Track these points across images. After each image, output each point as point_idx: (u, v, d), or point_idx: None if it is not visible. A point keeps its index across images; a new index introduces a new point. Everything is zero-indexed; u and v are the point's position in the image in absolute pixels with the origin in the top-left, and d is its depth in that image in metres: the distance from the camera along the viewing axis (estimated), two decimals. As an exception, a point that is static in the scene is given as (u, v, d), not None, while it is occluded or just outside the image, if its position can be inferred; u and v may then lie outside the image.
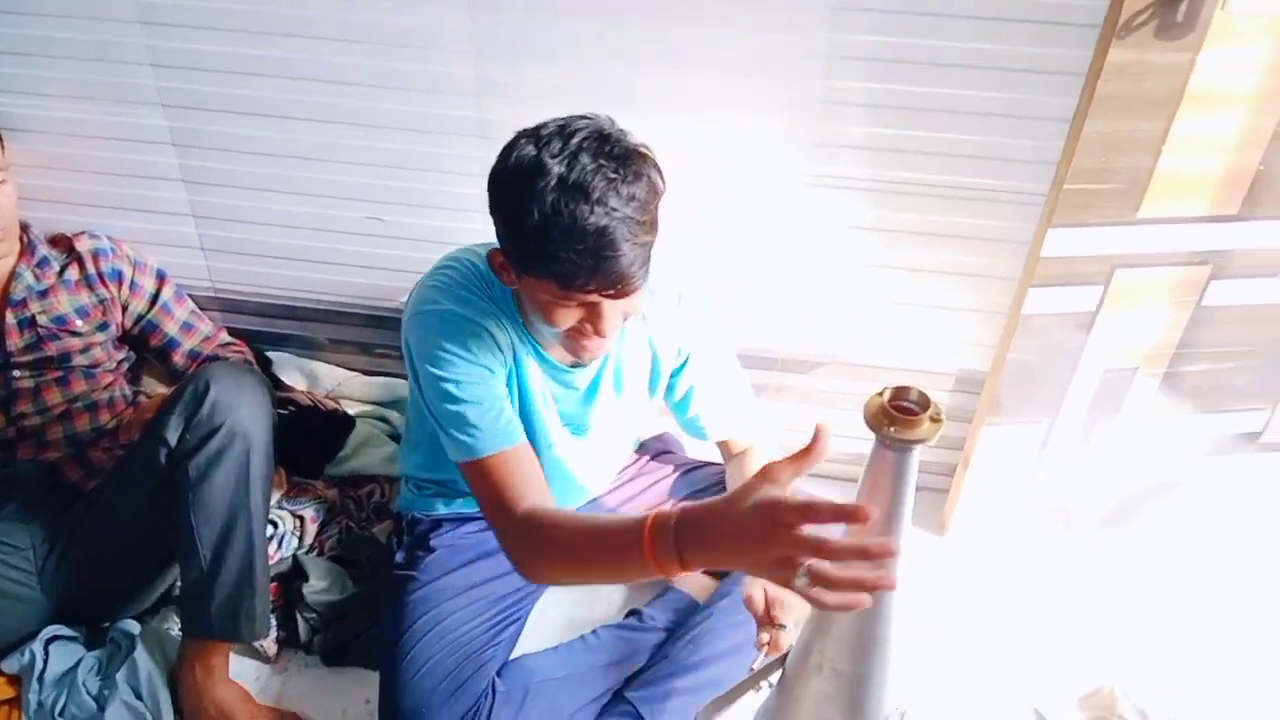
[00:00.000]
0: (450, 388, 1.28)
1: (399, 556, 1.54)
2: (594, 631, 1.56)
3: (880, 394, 0.83)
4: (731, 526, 0.90)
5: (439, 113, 1.62)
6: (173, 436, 1.40)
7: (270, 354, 1.93)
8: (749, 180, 1.64)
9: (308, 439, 1.78)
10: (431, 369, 1.28)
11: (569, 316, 1.21)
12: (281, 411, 1.67)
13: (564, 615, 1.64)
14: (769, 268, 1.73)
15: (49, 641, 1.50)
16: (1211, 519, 1.89)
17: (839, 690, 0.99)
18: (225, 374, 1.41)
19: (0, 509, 1.54)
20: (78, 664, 1.49)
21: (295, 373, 1.91)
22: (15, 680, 1.49)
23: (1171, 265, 1.55)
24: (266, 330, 1.94)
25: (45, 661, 1.48)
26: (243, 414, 1.40)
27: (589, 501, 1.61)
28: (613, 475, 1.65)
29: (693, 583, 1.65)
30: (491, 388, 1.30)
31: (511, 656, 1.49)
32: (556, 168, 1.11)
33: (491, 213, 1.19)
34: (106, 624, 1.56)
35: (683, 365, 1.50)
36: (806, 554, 0.84)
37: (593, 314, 1.20)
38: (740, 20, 1.49)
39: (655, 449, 1.73)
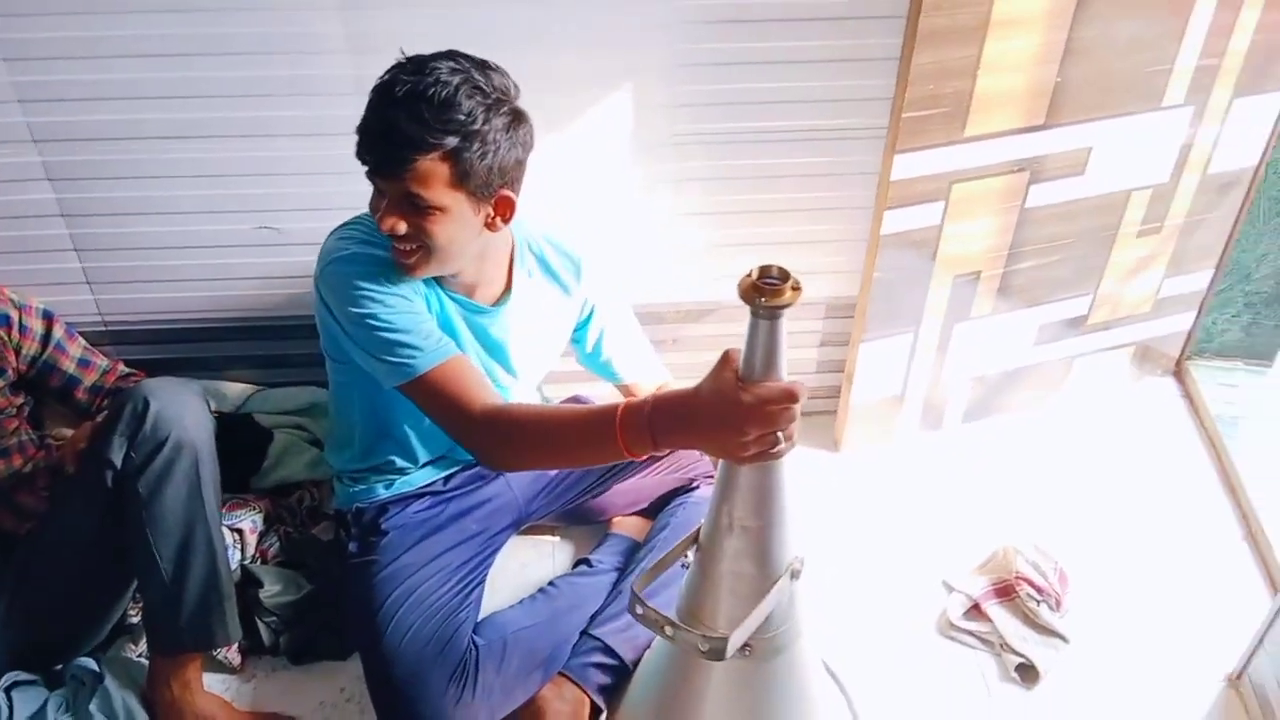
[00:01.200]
0: (376, 319, 1.34)
1: (352, 547, 1.60)
2: (551, 583, 1.66)
3: (749, 274, 1.00)
4: (713, 411, 1.03)
5: (320, 114, 1.67)
6: (117, 457, 1.40)
7: (171, 381, 1.92)
8: (620, 145, 1.77)
9: (231, 455, 1.79)
10: (353, 309, 1.35)
11: (375, 204, 1.32)
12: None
13: (520, 574, 1.75)
14: (649, 226, 1.87)
15: (9, 689, 1.48)
16: (1055, 399, 2.17)
17: (747, 543, 1.15)
18: (161, 388, 1.43)
19: (-67, 566, 1.51)
20: (44, 705, 1.48)
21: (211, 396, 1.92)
22: (-21, 733, 1.46)
23: (997, 175, 1.78)
24: (163, 357, 1.93)
25: (10, 709, 1.46)
26: (186, 424, 1.42)
27: None
28: None
29: (629, 525, 1.78)
30: (415, 309, 1.38)
31: (481, 616, 1.58)
32: (387, 76, 1.28)
33: None
34: (60, 665, 1.54)
35: (589, 317, 1.64)
36: (789, 424, 1.01)
37: (379, 202, 1.31)
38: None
39: None
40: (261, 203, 1.76)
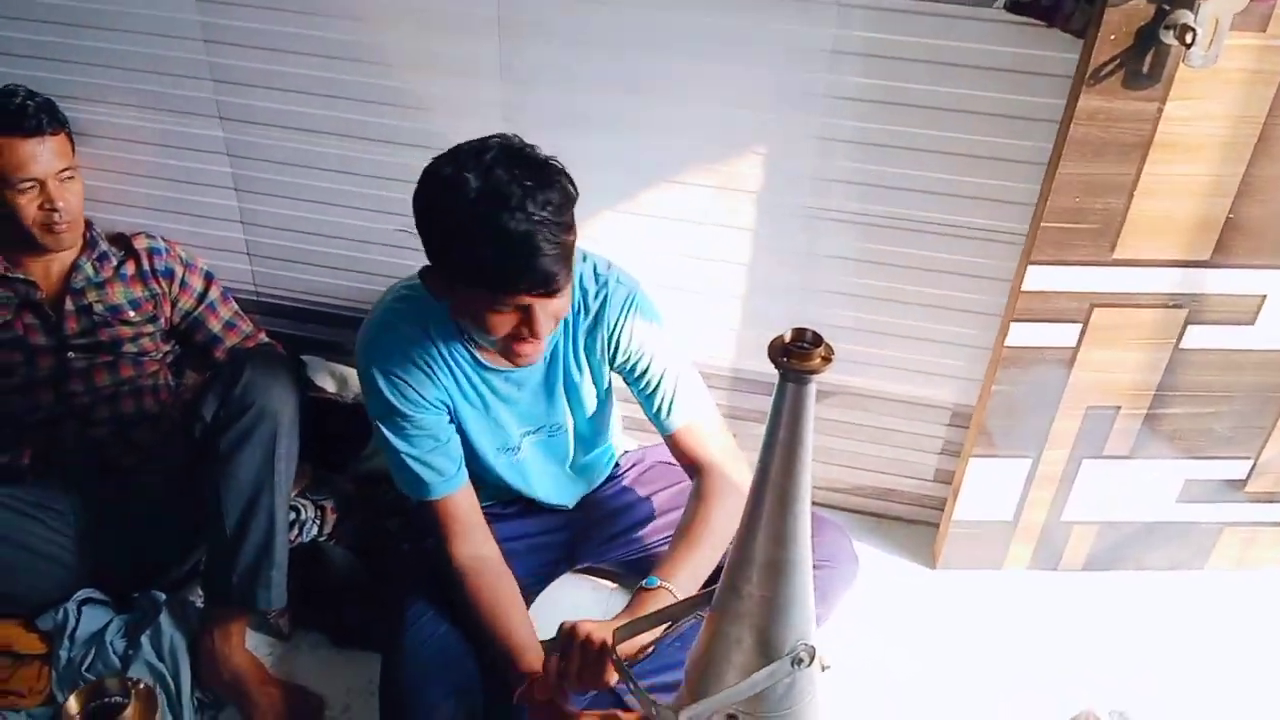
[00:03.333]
0: (393, 440, 1.44)
1: (405, 546, 1.65)
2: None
3: (782, 336, 0.98)
4: None
5: (470, 132, 1.75)
6: (208, 413, 1.52)
7: (304, 357, 2.06)
8: (748, 210, 1.76)
9: (334, 436, 1.90)
10: (376, 421, 1.44)
11: (504, 322, 1.29)
12: (315, 395, 1.80)
13: (571, 614, 1.73)
14: (766, 295, 1.83)
15: (81, 603, 1.62)
16: (1196, 564, 1.95)
17: (750, 611, 1.10)
18: (259, 358, 1.55)
19: (46, 477, 1.68)
20: (106, 625, 1.60)
21: (326, 376, 2.04)
22: (47, 637, 1.60)
23: (1148, 307, 1.63)
24: (303, 335, 2.07)
25: (77, 621, 1.59)
26: (272, 395, 1.52)
27: (586, 495, 1.72)
28: (602, 466, 1.73)
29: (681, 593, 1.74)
30: (430, 435, 1.44)
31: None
32: (474, 181, 1.22)
33: (420, 232, 1.30)
34: (136, 593, 1.67)
35: (638, 361, 1.52)
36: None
37: (526, 317, 1.29)
38: (743, 58, 1.62)
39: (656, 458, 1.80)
40: (402, 206, 1.86)
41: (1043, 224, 1.54)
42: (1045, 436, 1.78)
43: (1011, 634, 1.81)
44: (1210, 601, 1.90)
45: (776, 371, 0.99)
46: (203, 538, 1.59)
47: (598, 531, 1.72)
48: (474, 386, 1.48)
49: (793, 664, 1.12)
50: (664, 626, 1.29)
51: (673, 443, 1.55)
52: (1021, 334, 1.65)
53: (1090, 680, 1.71)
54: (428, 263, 1.34)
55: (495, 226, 1.21)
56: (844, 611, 1.75)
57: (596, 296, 1.47)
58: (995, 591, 1.91)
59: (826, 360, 1.00)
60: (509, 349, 1.34)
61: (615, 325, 1.48)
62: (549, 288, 1.25)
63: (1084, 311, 1.64)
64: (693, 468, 1.53)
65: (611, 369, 1.55)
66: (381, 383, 1.41)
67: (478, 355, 1.46)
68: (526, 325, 1.29)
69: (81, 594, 1.62)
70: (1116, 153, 1.48)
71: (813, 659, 1.14)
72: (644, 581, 1.42)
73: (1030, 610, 1.87)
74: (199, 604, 1.65)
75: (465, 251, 1.24)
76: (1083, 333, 1.66)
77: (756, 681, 1.12)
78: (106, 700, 0.72)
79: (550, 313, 1.30)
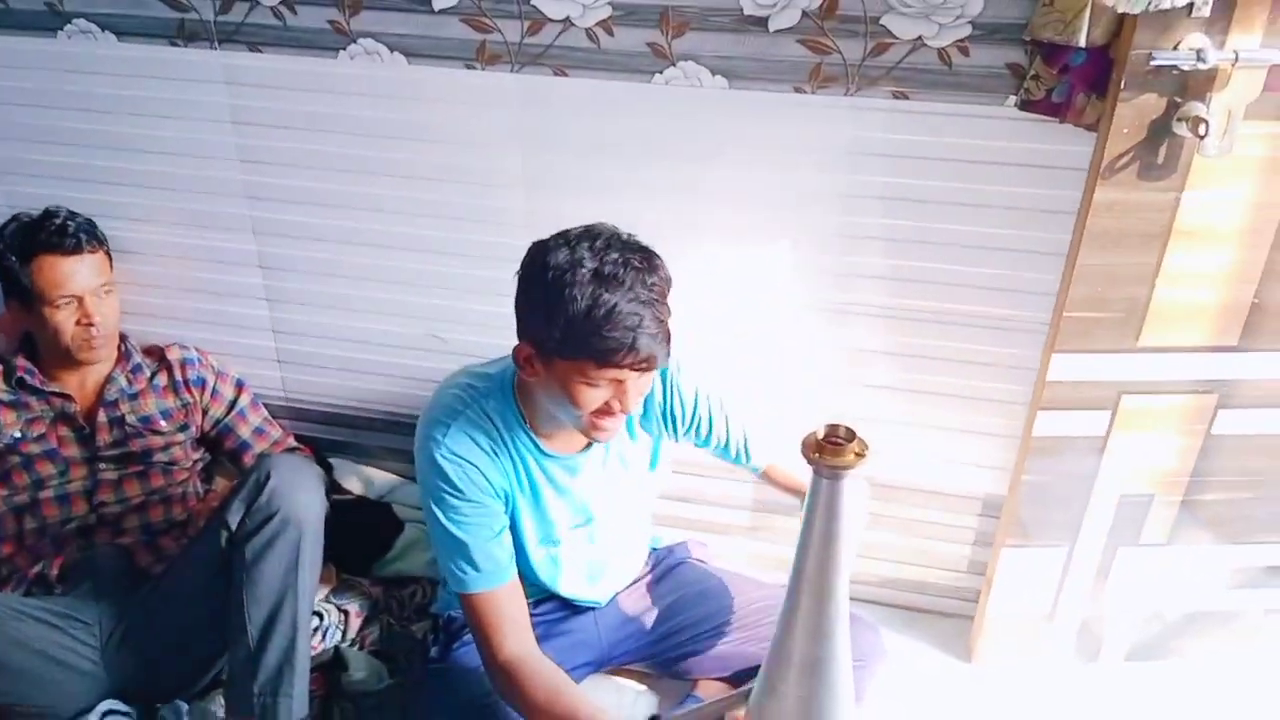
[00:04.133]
0: (449, 527, 1.42)
1: (434, 651, 1.63)
2: None
3: (815, 432, 0.97)
4: None
5: (494, 240, 1.80)
6: (234, 520, 1.53)
7: (331, 460, 2.08)
8: (773, 307, 1.77)
9: (359, 538, 1.90)
10: (434, 507, 1.43)
11: (596, 397, 1.33)
12: (339, 498, 1.81)
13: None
14: (794, 390, 1.84)
15: (105, 715, 1.60)
16: (1243, 653, 1.88)
17: (789, 712, 1.07)
18: (284, 464, 1.55)
19: (75, 587, 1.68)
20: (130, 738, 1.59)
21: (353, 478, 2.05)
22: (71, 750, 1.59)
23: (1177, 393, 1.62)
24: (329, 438, 2.09)
25: (101, 735, 1.58)
26: (298, 501, 1.53)
27: (614, 597, 1.69)
28: (635, 563, 1.72)
29: (713, 689, 1.70)
30: (488, 525, 1.43)
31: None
32: (590, 262, 1.28)
33: (521, 307, 1.35)
34: (159, 705, 1.66)
35: (705, 417, 1.58)
36: None
37: (619, 391, 1.34)
38: (766, 162, 1.65)
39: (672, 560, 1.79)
40: (432, 312, 1.90)
41: (1065, 313, 1.54)
42: (1079, 525, 1.75)
43: (1055, 731, 1.76)
44: (1258, 692, 1.83)
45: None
46: (226, 646, 1.58)
47: (630, 629, 1.69)
48: (530, 474, 1.48)
49: (829, 766, 1.09)
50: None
51: (768, 479, 1.66)
52: (1049, 423, 1.64)
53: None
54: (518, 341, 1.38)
55: (612, 305, 1.27)
56: (879, 708, 1.71)
57: (664, 384, 1.54)
58: (1034, 685, 1.85)
59: (860, 456, 0.99)
60: (594, 424, 1.37)
61: (669, 386, 1.53)
62: (650, 363, 1.31)
63: (1112, 399, 1.62)
64: (797, 490, 1.61)
65: (679, 436, 1.58)
66: (447, 465, 1.41)
67: (540, 442, 1.48)
68: (619, 399, 1.34)
69: (104, 705, 1.60)
70: (1135, 242, 1.48)
71: (851, 763, 1.11)
72: None
73: (1071, 704, 1.81)
74: (220, 714, 1.63)
75: (581, 327, 1.28)
76: (1112, 420, 1.64)
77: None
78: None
79: (640, 387, 1.35)
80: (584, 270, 1.28)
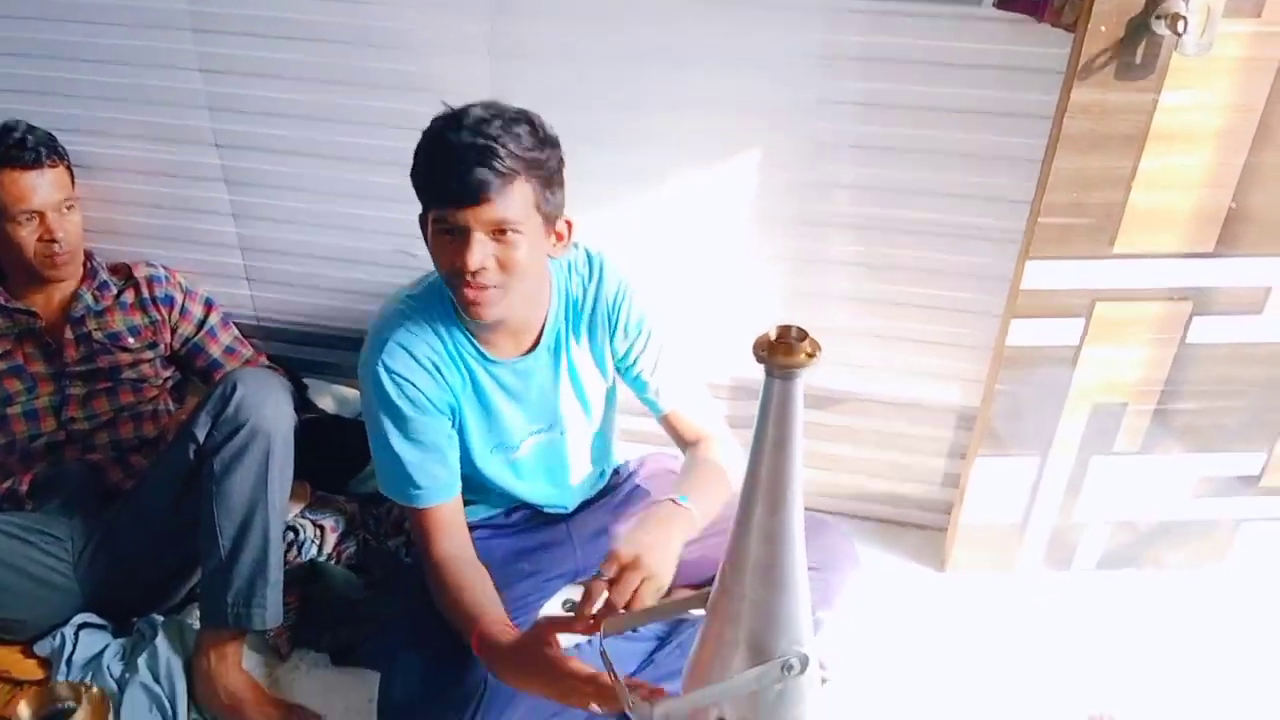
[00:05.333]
0: (393, 441, 1.41)
1: (409, 558, 1.64)
2: (589, 640, 1.62)
3: (767, 333, 0.95)
4: (517, 671, 1.25)
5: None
6: (201, 433, 1.52)
7: (305, 379, 2.06)
8: (741, 218, 1.75)
9: (334, 455, 1.89)
10: (376, 426, 1.42)
11: (445, 249, 1.31)
12: (313, 416, 1.80)
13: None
14: (765, 302, 1.82)
15: (79, 628, 1.61)
16: (1214, 562, 1.90)
17: (742, 613, 1.07)
18: (251, 376, 1.54)
19: (45, 504, 1.68)
20: (104, 650, 1.59)
21: (326, 396, 2.04)
22: (46, 663, 1.59)
23: (1151, 300, 1.61)
24: (303, 358, 2.08)
25: (74, 645, 1.58)
26: (265, 414, 1.52)
27: (589, 503, 1.70)
28: (599, 473, 1.71)
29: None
30: (430, 443, 1.42)
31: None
32: (446, 110, 1.30)
33: None
34: (135, 619, 1.67)
35: (635, 339, 1.54)
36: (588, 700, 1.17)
37: (458, 245, 1.29)
38: (735, 67, 1.61)
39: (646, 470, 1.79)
40: (401, 228, 1.86)
41: (1040, 220, 1.52)
42: (1052, 435, 1.75)
43: (1024, 636, 1.77)
44: (1227, 599, 1.85)
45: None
46: (199, 560, 1.58)
47: (601, 543, 1.69)
48: (477, 381, 1.47)
49: (783, 669, 1.09)
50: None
51: (668, 422, 1.58)
52: (1023, 332, 1.63)
53: (1105, 682, 1.67)
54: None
55: (441, 141, 1.28)
56: (852, 618, 1.73)
57: (591, 277, 1.50)
58: (1007, 594, 1.87)
59: (811, 356, 0.97)
60: (460, 293, 1.34)
61: (614, 301, 1.49)
62: (475, 198, 1.26)
63: (1086, 307, 1.61)
64: (686, 443, 1.58)
65: (613, 345, 1.54)
66: (386, 381, 1.39)
67: (484, 350, 1.46)
68: (460, 256, 1.29)
69: (79, 618, 1.61)
70: (1112, 146, 1.46)
71: (805, 667, 1.11)
72: (661, 498, 1.42)
73: (1043, 612, 1.84)
74: (195, 625, 1.64)
75: (416, 166, 1.30)
76: (1085, 329, 1.63)
77: (740, 684, 1.09)
78: (58, 706, 0.71)
79: (485, 245, 1.30)
80: (438, 121, 1.30)
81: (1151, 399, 1.71)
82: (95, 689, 0.69)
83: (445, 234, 1.31)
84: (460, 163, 1.27)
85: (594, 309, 1.50)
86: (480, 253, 1.30)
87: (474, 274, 1.31)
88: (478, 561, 1.46)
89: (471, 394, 1.47)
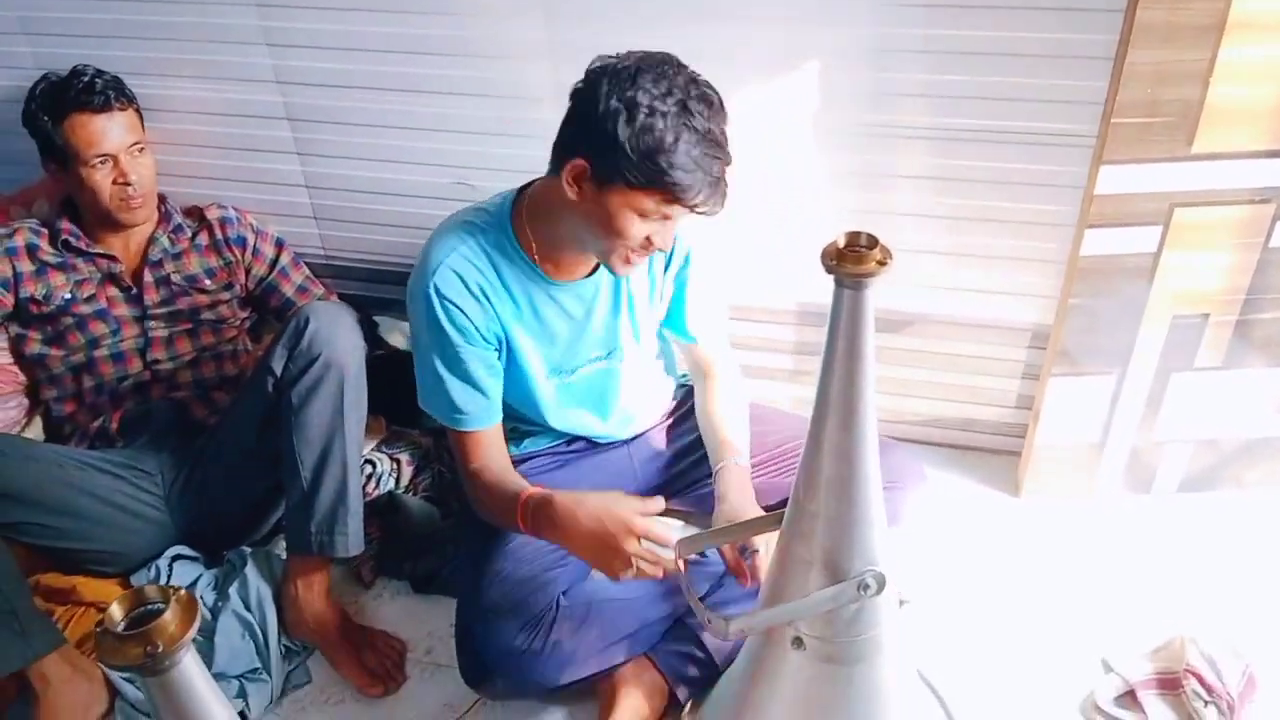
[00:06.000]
0: (439, 364, 1.44)
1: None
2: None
3: (835, 241, 0.93)
4: (572, 527, 1.30)
5: (519, 80, 1.77)
6: (278, 367, 1.56)
7: (376, 317, 2.09)
8: (805, 133, 1.71)
9: (407, 390, 1.92)
10: (421, 349, 1.46)
11: (642, 230, 1.32)
12: (384, 353, 1.84)
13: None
14: (828, 223, 1.79)
15: (173, 560, 1.68)
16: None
17: (817, 531, 1.07)
18: (323, 311, 1.58)
19: (135, 440, 1.75)
20: (196, 580, 1.66)
21: (397, 334, 2.06)
22: (143, 593, 1.67)
23: (1232, 203, 1.55)
24: (373, 295, 2.10)
25: (168, 577, 1.65)
26: (337, 347, 1.55)
27: (639, 435, 1.71)
28: (658, 401, 1.73)
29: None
30: (473, 370, 1.44)
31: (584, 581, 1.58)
32: (678, 94, 1.26)
33: (583, 122, 1.29)
34: (225, 551, 1.73)
35: (681, 272, 1.58)
36: (629, 566, 1.27)
37: (664, 229, 1.33)
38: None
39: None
40: (460, 159, 1.88)
41: (1113, 120, 1.47)
42: (1130, 351, 1.70)
43: (1101, 562, 1.74)
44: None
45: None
46: (283, 491, 1.63)
47: (662, 461, 1.71)
48: (535, 305, 1.47)
49: (859, 589, 1.09)
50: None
51: (691, 350, 1.66)
52: (1098, 241, 1.58)
53: (1185, 607, 1.64)
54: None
55: (694, 143, 1.26)
56: (927, 544, 1.72)
57: None
58: (1084, 518, 1.84)
59: (882, 264, 0.94)
60: (626, 257, 1.36)
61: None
62: (718, 205, 1.30)
63: (1163, 213, 1.55)
64: (701, 373, 1.67)
65: (663, 278, 1.56)
66: (437, 305, 1.41)
67: (547, 274, 1.46)
68: (660, 235, 1.34)
69: (172, 551, 1.68)
70: (1188, 37, 1.39)
71: (881, 587, 1.10)
72: (725, 462, 1.52)
73: (1121, 536, 1.80)
74: (283, 556, 1.70)
75: (657, 155, 1.24)
76: (1163, 236, 1.57)
77: (817, 602, 1.09)
78: (148, 607, 0.75)
79: (673, 230, 1.37)
80: (671, 100, 1.24)
81: (1234, 309, 1.65)
82: (183, 591, 0.73)
83: (642, 214, 1.31)
84: (706, 174, 1.27)
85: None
86: (671, 240, 1.39)
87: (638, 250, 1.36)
88: (515, 472, 1.50)
89: (531, 318, 1.48)
